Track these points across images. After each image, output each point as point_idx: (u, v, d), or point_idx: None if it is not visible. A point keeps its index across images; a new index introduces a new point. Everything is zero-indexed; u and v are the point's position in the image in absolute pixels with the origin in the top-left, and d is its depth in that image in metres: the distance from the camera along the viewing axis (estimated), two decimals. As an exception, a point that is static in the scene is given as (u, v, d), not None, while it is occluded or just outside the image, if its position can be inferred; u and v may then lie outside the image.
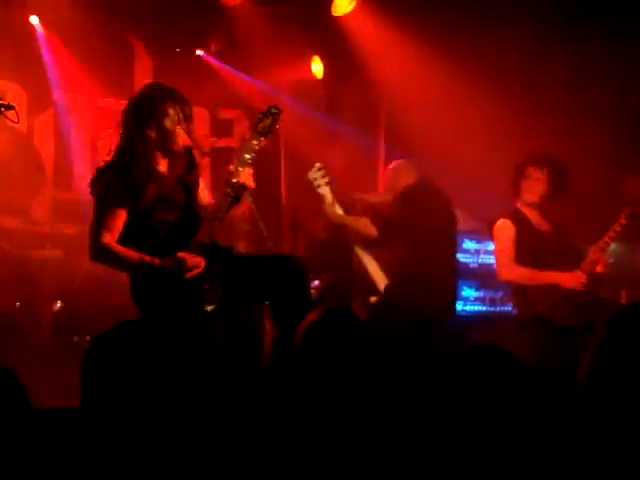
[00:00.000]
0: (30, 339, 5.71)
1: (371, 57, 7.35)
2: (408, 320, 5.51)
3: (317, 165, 5.87)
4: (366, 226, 5.83)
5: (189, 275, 3.92)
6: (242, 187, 4.12)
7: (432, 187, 5.90)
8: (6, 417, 2.04)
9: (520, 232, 5.38)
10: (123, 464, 1.86)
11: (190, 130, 4.12)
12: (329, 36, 7.36)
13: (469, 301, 6.72)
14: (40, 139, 6.80)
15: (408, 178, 5.87)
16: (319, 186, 5.84)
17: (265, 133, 4.22)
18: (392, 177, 6.00)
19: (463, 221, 6.59)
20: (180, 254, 3.92)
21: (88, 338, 5.90)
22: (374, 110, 7.88)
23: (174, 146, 4.07)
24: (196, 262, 3.94)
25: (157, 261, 3.92)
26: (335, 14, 7.13)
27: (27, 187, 6.45)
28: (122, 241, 3.98)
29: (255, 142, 4.19)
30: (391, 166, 6.08)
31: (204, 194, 4.30)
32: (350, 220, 5.98)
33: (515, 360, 2.27)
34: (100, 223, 3.97)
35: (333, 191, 5.87)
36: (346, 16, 7.14)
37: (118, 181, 3.97)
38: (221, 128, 7.57)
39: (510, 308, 5.84)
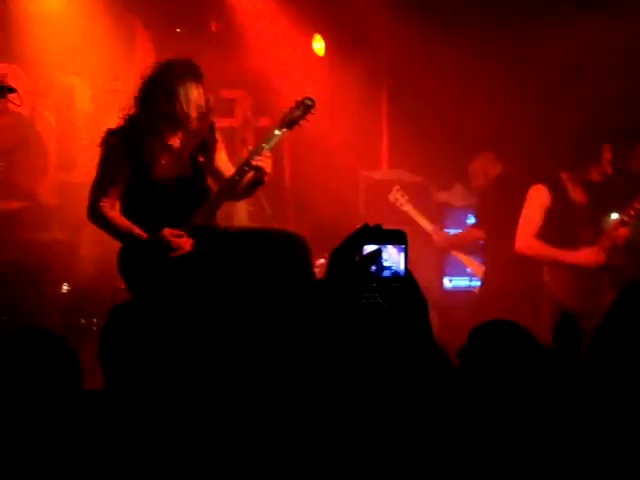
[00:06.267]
0: (37, 322, 5.72)
1: (373, 34, 7.30)
2: None
3: (395, 187, 6.40)
4: (472, 234, 6.33)
5: (172, 255, 3.92)
6: (260, 170, 4.08)
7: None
8: (60, 382, 2.08)
9: (555, 200, 5.25)
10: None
11: (206, 109, 4.08)
12: (331, 13, 7.31)
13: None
14: (43, 122, 6.78)
15: (496, 167, 6.26)
16: (402, 205, 6.32)
17: (291, 124, 4.16)
18: (480, 169, 6.34)
19: (465, 197, 6.62)
20: (167, 232, 3.92)
21: (95, 320, 5.92)
22: (377, 87, 7.83)
23: (187, 124, 4.04)
24: (181, 243, 3.93)
25: (145, 235, 3.93)
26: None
27: (32, 171, 6.43)
28: (123, 207, 4.01)
29: (277, 132, 4.13)
30: (476, 160, 6.40)
31: (227, 167, 4.25)
32: (458, 238, 6.53)
33: (531, 336, 2.26)
34: (99, 186, 4.02)
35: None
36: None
37: (122, 148, 3.99)
38: (223, 108, 7.52)
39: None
